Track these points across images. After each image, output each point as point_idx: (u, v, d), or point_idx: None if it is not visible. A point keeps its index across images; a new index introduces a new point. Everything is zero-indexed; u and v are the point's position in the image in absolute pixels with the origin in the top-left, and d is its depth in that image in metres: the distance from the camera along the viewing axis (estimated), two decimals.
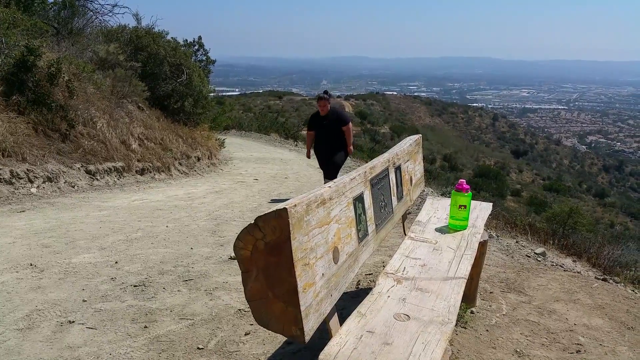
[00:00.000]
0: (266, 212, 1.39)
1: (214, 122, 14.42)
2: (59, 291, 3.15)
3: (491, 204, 3.18)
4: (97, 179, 7.29)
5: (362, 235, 1.95)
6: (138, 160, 8.37)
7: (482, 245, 2.69)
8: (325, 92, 6.45)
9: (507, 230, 6.27)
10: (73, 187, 6.74)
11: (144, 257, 3.93)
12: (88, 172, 7.23)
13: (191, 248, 4.21)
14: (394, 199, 2.48)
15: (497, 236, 5.32)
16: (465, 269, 2.10)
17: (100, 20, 11.97)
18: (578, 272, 4.57)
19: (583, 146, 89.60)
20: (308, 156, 6.82)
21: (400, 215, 2.65)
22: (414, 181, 2.94)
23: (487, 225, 6.42)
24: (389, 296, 1.84)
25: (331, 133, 6.31)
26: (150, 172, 8.51)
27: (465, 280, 2.00)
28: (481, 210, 3.00)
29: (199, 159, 10.83)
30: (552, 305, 3.06)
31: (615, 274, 5.42)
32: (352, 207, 1.87)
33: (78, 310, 2.91)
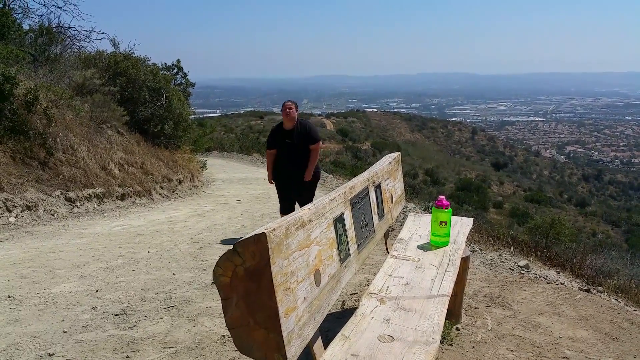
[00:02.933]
0: (244, 237, 1.39)
1: (195, 144, 14.38)
2: (39, 323, 3.07)
3: (472, 219, 3.20)
4: (77, 206, 7.18)
5: (343, 256, 1.95)
6: (118, 186, 8.27)
7: (465, 261, 2.70)
8: (291, 101, 5.12)
9: (490, 244, 6.31)
10: (53, 215, 6.62)
11: (125, 284, 3.86)
12: (68, 199, 7.12)
13: (173, 273, 4.15)
14: (375, 217, 2.48)
15: (480, 250, 5.35)
16: (448, 286, 2.10)
17: (78, 46, 11.96)
18: (561, 284, 4.61)
19: (562, 157, 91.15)
20: (270, 180, 5.30)
21: (382, 234, 2.65)
22: (394, 199, 2.95)
23: (470, 239, 6.46)
24: (372, 317, 1.83)
25: (298, 152, 4.98)
26: (131, 197, 8.41)
27: (449, 298, 2.00)
28: (462, 226, 3.02)
29: (180, 182, 10.75)
30: (537, 319, 3.07)
31: (599, 284, 5.47)
32: (332, 228, 1.87)
33: (58, 342, 2.84)
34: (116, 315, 3.19)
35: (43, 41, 10.79)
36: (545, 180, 66.16)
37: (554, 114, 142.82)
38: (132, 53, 11.86)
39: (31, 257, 4.62)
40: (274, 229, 1.42)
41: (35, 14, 11.10)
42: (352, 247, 2.07)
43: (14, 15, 11.07)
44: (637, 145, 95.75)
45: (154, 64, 12.23)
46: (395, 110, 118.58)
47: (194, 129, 13.93)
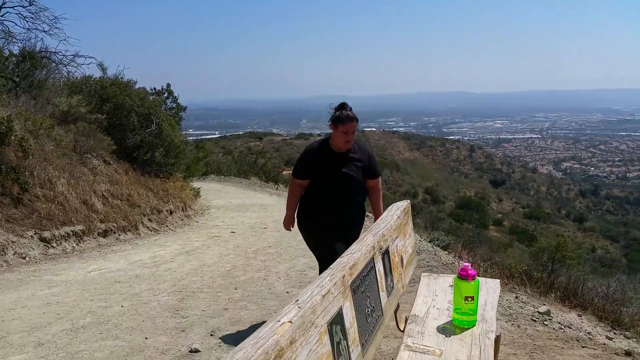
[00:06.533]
0: None
1: (188, 170, 13.87)
2: None
3: (498, 281, 2.65)
4: (53, 247, 6.61)
5: None
6: (101, 221, 7.70)
7: (497, 342, 2.15)
8: (346, 107, 3.24)
9: (504, 282, 5.76)
10: (24, 258, 6.04)
11: (88, 355, 3.28)
12: (42, 239, 6.54)
13: (146, 338, 3.57)
14: (383, 295, 1.94)
15: None
16: None
17: (65, 71, 11.50)
18: (588, 333, 4.07)
19: (559, 173, 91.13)
20: (288, 226, 3.64)
21: (392, 312, 2.11)
22: (405, 261, 2.41)
23: (483, 275, 5.91)
24: None
25: (352, 187, 3.21)
26: (115, 232, 7.83)
27: None
28: (488, 293, 2.46)
29: (171, 212, 10.19)
30: None
31: (624, 327, 4.96)
32: (326, 337, 1.32)
33: None
34: None
35: (26, 66, 10.31)
36: (543, 197, 65.96)
37: (549, 131, 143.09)
38: (121, 77, 11.42)
39: None
40: None
41: (17, 39, 10.59)
42: (355, 352, 1.52)
43: None
44: (631, 160, 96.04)
45: (143, 88, 11.78)
46: (394, 129, 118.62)
47: (186, 155, 13.41)
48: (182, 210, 10.93)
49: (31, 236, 6.37)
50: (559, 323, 4.27)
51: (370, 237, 1.97)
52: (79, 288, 4.95)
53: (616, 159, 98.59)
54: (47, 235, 6.57)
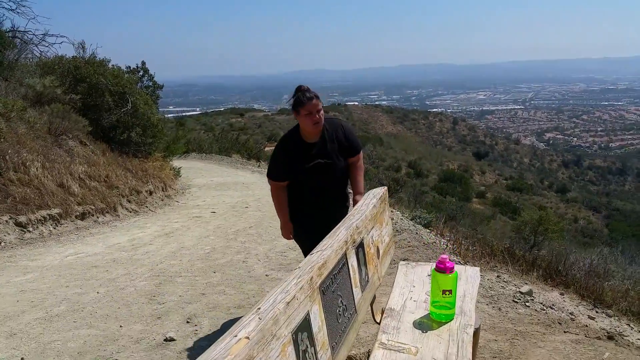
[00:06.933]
0: None
1: (168, 149, 13.62)
2: None
3: (478, 269, 2.59)
4: (29, 231, 6.45)
5: None
6: (78, 204, 7.53)
7: (476, 334, 2.10)
8: (302, 88, 2.82)
9: (485, 260, 5.76)
10: None
11: (60, 345, 3.20)
12: (18, 224, 6.38)
13: (120, 326, 3.49)
14: (357, 290, 1.87)
15: None
16: None
17: (37, 51, 11.08)
18: (570, 314, 4.08)
19: (541, 144, 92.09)
20: (288, 235, 3.07)
21: (367, 306, 2.04)
22: (381, 251, 2.34)
23: (464, 256, 5.89)
24: None
25: (334, 175, 2.89)
26: (93, 215, 7.67)
27: None
28: (468, 282, 2.40)
29: (151, 193, 10.02)
30: None
31: (607, 306, 4.99)
32: (290, 348, 1.25)
33: None
34: None
35: None
36: (526, 168, 66.72)
37: (532, 102, 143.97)
38: (94, 57, 11.05)
39: None
40: None
41: None
42: (324, 358, 1.45)
43: None
44: (614, 130, 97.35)
45: (118, 66, 11.44)
46: (377, 102, 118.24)
47: (164, 133, 13.14)
48: (162, 190, 10.75)
49: (6, 221, 6.20)
50: (541, 304, 4.24)
51: (343, 230, 1.88)
52: (55, 274, 4.83)
53: (599, 129, 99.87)
54: (23, 219, 6.40)
